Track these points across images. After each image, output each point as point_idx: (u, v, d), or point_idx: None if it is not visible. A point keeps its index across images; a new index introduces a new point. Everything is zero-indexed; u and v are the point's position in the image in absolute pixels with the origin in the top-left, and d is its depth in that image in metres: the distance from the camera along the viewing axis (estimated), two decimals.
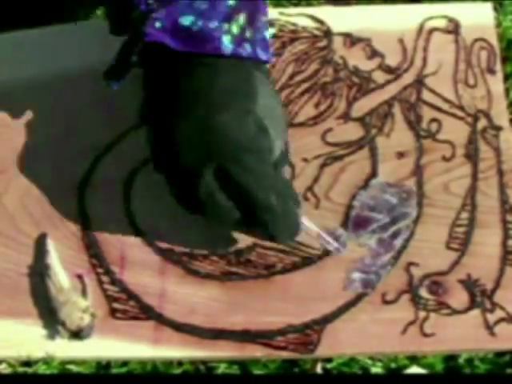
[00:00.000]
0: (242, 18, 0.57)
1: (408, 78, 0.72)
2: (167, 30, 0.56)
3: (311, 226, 0.63)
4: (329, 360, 0.65)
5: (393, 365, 0.65)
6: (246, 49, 0.57)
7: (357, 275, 0.65)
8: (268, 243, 0.65)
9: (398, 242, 0.66)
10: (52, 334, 0.63)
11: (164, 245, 0.66)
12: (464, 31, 0.74)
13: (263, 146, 0.57)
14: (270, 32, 0.56)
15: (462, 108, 0.71)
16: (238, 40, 0.57)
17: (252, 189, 0.56)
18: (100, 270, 0.66)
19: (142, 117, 0.61)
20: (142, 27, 0.56)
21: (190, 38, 0.56)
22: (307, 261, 0.65)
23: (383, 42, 0.73)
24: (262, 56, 0.58)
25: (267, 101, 0.58)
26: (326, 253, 0.65)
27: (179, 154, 0.56)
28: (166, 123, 0.57)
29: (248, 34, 0.57)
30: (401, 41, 0.74)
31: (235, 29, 0.57)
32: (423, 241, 0.66)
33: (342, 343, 0.63)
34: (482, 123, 0.70)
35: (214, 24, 0.56)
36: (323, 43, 0.73)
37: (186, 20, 0.56)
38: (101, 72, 0.61)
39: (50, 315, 0.64)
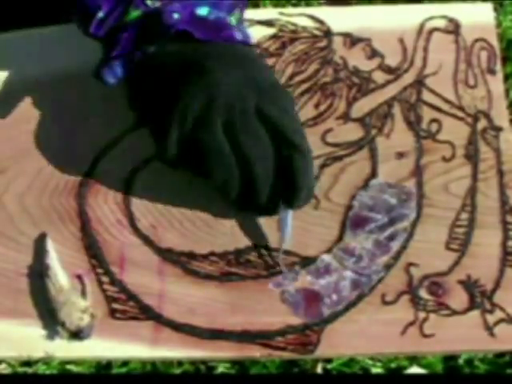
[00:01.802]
0: (238, 12, 0.64)
1: (408, 78, 0.72)
2: (185, 20, 0.61)
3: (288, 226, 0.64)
4: (329, 360, 0.65)
5: (393, 365, 0.65)
6: (244, 36, 0.64)
7: (348, 274, 0.65)
8: (268, 243, 0.66)
9: (395, 245, 0.66)
10: (52, 334, 0.64)
11: (163, 245, 0.66)
12: (464, 31, 0.74)
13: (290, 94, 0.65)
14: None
15: (462, 108, 0.71)
16: (237, 29, 0.63)
17: (289, 130, 0.61)
18: (99, 271, 0.66)
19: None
20: (162, 20, 0.60)
21: (207, 27, 0.61)
22: (307, 262, 0.66)
23: (383, 42, 0.73)
24: (249, 39, 0.65)
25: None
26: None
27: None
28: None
29: (240, 25, 0.64)
30: (401, 41, 0.73)
31: (234, 20, 0.64)
32: (423, 241, 0.66)
33: (341, 344, 0.63)
34: (482, 124, 0.70)
35: (224, 14, 0.63)
36: (323, 43, 0.73)
37: (203, 10, 0.62)
38: None
39: (49, 315, 0.64)
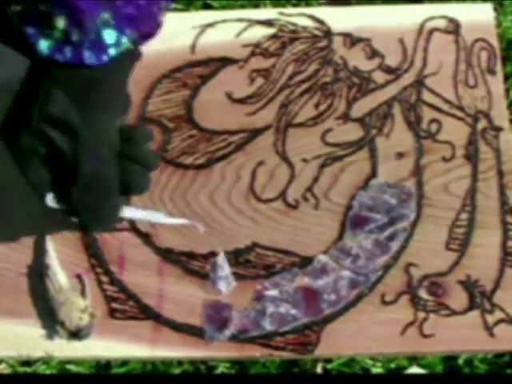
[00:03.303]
0: (60, 22, 0.53)
1: (408, 78, 0.72)
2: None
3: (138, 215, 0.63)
4: (329, 360, 0.65)
5: (393, 365, 0.65)
6: (66, 54, 0.54)
7: (346, 274, 0.65)
8: (267, 244, 0.66)
9: (394, 245, 0.66)
10: (51, 333, 0.64)
11: (163, 245, 0.66)
12: (464, 31, 0.74)
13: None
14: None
15: (461, 108, 0.71)
16: (59, 45, 0.53)
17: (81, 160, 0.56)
18: (99, 270, 0.66)
19: None
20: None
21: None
22: (306, 261, 0.66)
23: (383, 42, 0.73)
24: (89, 59, 0.54)
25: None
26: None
27: None
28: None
29: (74, 38, 0.53)
30: (401, 41, 0.73)
31: (57, 33, 0.53)
32: (423, 241, 0.66)
33: (341, 344, 0.63)
34: (482, 124, 0.70)
35: (32, 29, 0.54)
36: (323, 43, 0.73)
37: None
38: None
39: (49, 315, 0.64)
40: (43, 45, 0.53)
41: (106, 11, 0.53)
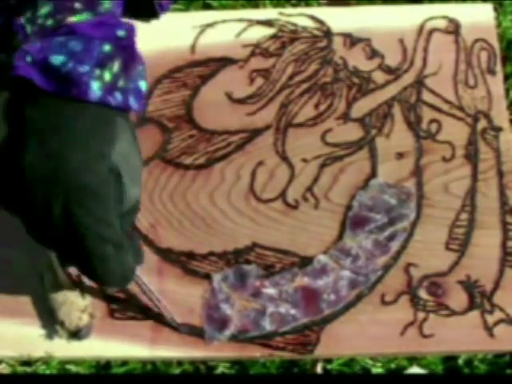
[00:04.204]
0: (116, 66, 0.54)
1: (408, 78, 0.72)
2: (37, 65, 0.53)
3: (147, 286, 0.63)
4: (329, 360, 0.65)
5: (393, 365, 0.65)
6: (116, 97, 0.54)
7: (346, 274, 0.65)
8: (267, 244, 0.66)
9: (394, 245, 0.66)
10: (51, 333, 0.64)
11: (163, 245, 0.66)
12: (464, 31, 0.74)
13: (110, 193, 0.54)
14: (144, 83, 0.54)
15: (461, 109, 0.71)
16: (109, 88, 0.54)
17: (89, 233, 0.53)
18: None
19: None
20: (14, 58, 0.53)
21: (58, 78, 0.53)
22: (306, 261, 0.66)
23: (383, 42, 0.73)
24: (134, 105, 0.55)
25: (126, 148, 0.56)
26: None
27: (26, 186, 0.53)
28: (14, 154, 0.53)
29: (121, 83, 0.55)
30: (401, 41, 0.73)
31: (107, 76, 0.54)
32: (423, 242, 0.66)
33: (341, 344, 0.64)
34: (481, 124, 0.70)
35: (84, 68, 0.53)
36: (323, 43, 0.73)
37: (57, 60, 0.53)
38: None
39: (49, 315, 0.64)
40: (95, 86, 0.53)
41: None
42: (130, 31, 0.54)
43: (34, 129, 0.53)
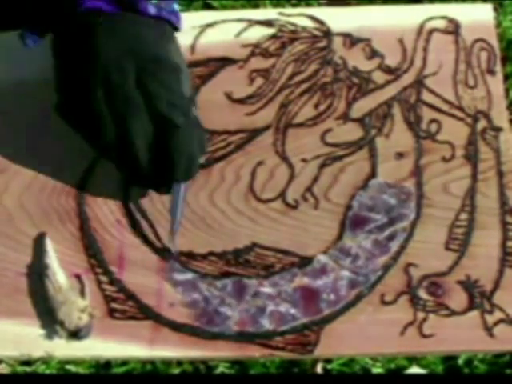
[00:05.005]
0: None
1: (408, 78, 0.72)
2: None
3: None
4: (329, 360, 0.65)
5: (393, 365, 0.65)
6: (164, 15, 0.65)
7: (345, 274, 0.65)
8: (267, 244, 0.66)
9: (394, 245, 0.66)
10: (51, 333, 0.64)
11: (163, 245, 0.66)
12: (464, 32, 0.74)
13: (182, 68, 0.64)
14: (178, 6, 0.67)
15: (461, 109, 0.71)
16: (159, 7, 0.65)
17: (163, 103, 0.61)
18: (98, 270, 0.66)
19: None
20: None
21: (120, 2, 0.63)
22: (306, 261, 0.66)
23: (383, 42, 0.73)
24: (176, 22, 0.66)
25: (179, 51, 0.66)
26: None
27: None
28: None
29: (163, 5, 0.65)
30: (401, 41, 0.73)
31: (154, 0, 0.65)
32: (422, 242, 0.66)
33: (340, 344, 0.63)
34: (481, 124, 0.70)
35: None
36: (323, 43, 0.73)
37: None
38: None
39: (48, 315, 0.64)
40: (151, 5, 0.64)
41: None
42: None
43: (107, 27, 0.62)
